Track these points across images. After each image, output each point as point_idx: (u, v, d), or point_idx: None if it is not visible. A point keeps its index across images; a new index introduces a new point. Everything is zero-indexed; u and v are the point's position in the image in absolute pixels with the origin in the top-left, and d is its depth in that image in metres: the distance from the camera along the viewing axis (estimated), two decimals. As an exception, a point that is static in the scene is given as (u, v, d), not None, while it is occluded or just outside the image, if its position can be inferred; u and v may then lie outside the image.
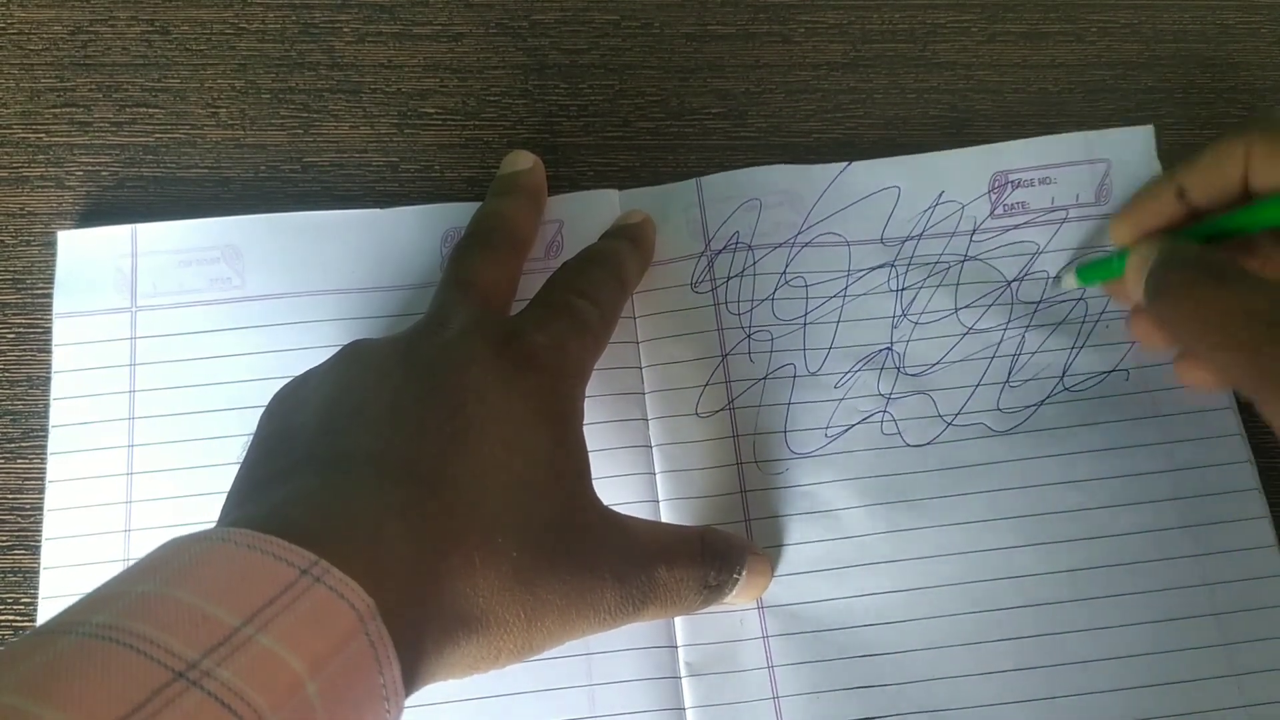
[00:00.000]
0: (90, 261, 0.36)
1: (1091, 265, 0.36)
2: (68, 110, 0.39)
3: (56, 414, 0.35)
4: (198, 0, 0.41)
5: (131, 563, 0.22)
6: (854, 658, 0.32)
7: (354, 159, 0.39)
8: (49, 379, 0.35)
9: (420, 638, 0.23)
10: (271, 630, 0.19)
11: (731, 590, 0.31)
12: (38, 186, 0.38)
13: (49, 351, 0.36)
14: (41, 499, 0.34)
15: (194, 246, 0.37)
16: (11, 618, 0.33)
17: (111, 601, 0.20)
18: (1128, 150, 0.38)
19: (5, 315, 0.37)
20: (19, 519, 0.34)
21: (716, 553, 0.30)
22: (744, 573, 0.31)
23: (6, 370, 0.36)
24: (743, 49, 0.41)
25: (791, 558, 0.33)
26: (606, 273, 0.33)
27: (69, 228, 0.37)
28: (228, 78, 0.40)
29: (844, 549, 0.33)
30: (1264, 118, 0.38)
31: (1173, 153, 0.39)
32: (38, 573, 0.33)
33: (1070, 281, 0.36)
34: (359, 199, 0.38)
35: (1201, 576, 0.33)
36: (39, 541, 0.34)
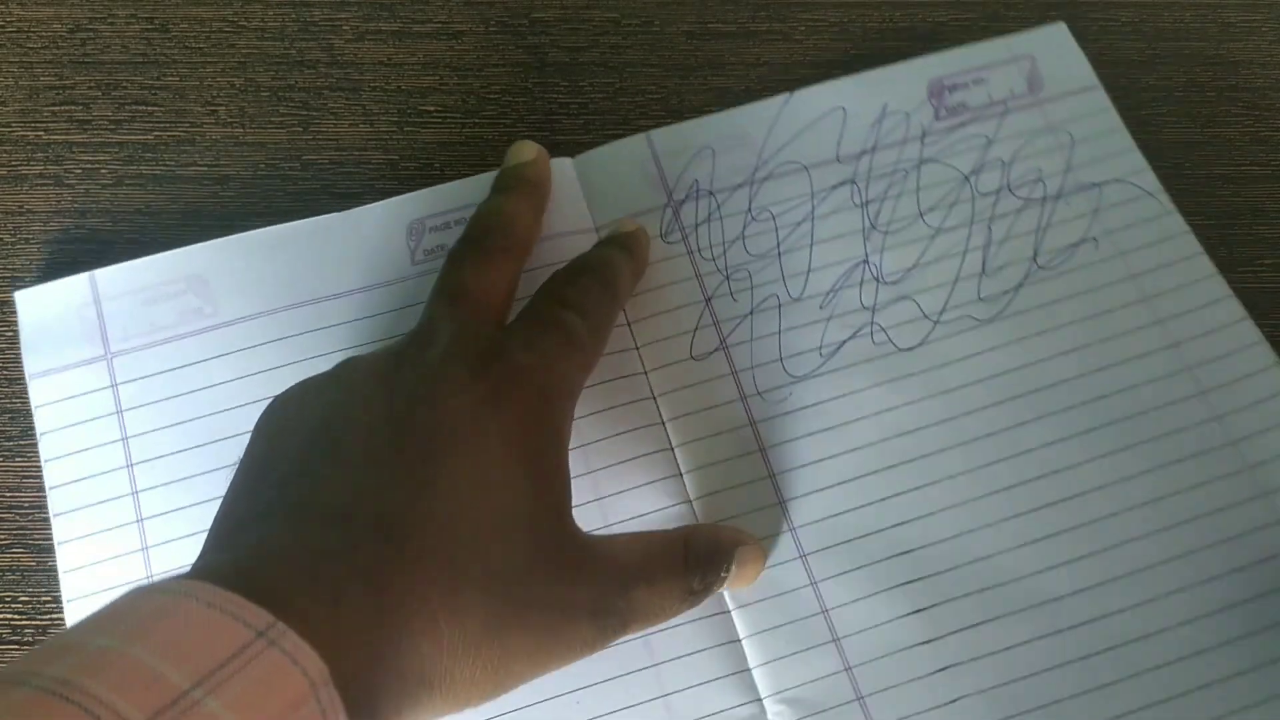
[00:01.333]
0: (53, 317, 0.35)
1: None
2: (66, 108, 0.39)
3: (51, 474, 0.34)
4: (197, -2, 0.41)
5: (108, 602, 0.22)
6: (892, 557, 0.33)
7: (354, 157, 0.39)
8: (48, 377, 0.35)
9: (376, 701, 0.23)
10: (221, 694, 0.19)
11: (719, 588, 0.31)
12: (36, 184, 0.38)
13: (48, 350, 0.35)
14: (40, 497, 0.34)
15: (156, 282, 0.36)
16: (10, 617, 0.33)
17: (69, 653, 0.20)
18: (1047, 45, 0.40)
19: (4, 314, 0.37)
20: (17, 517, 0.34)
21: (700, 557, 0.30)
22: (733, 568, 0.31)
23: (5, 368, 0.36)
24: (743, 47, 0.41)
25: (812, 476, 0.34)
26: (598, 283, 0.32)
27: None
28: (227, 75, 0.40)
29: (860, 459, 0.34)
30: None
31: (1173, 151, 0.39)
32: (37, 571, 0.33)
33: None
34: (358, 197, 0.38)
35: (1209, 412, 0.34)
36: (38, 540, 0.34)
